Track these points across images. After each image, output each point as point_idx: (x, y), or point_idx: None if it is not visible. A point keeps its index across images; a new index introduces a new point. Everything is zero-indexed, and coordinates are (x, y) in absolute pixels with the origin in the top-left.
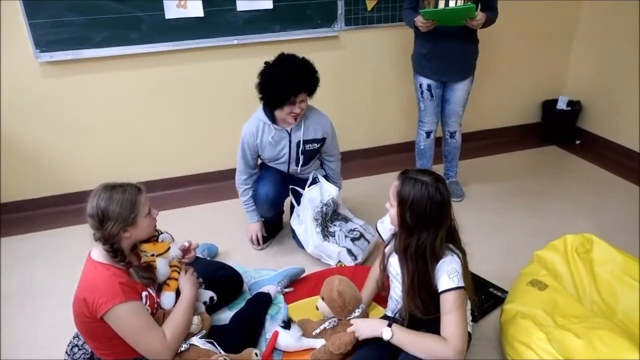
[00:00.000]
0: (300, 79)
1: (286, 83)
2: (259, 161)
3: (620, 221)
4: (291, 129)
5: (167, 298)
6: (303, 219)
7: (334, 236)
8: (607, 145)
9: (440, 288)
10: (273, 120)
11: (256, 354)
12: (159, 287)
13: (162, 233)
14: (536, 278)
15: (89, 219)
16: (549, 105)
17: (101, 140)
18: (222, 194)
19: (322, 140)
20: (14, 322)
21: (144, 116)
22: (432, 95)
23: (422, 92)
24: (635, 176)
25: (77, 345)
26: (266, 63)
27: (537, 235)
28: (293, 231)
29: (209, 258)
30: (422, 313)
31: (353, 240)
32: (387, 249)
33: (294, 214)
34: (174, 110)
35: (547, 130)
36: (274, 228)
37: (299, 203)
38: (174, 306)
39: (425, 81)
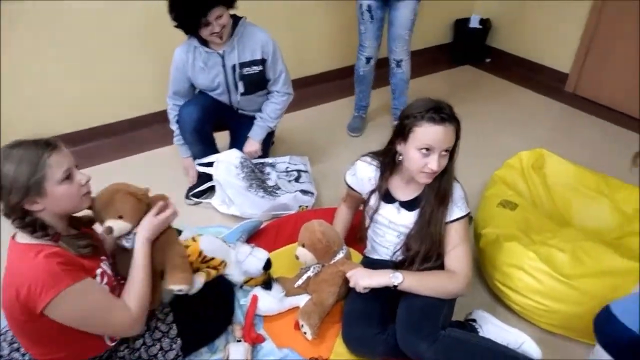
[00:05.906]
0: None
1: (191, 2)
2: (197, 91)
3: (543, 132)
4: (224, 52)
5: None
6: (231, 198)
7: (280, 188)
8: (515, 60)
9: (451, 217)
10: (203, 42)
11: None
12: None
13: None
14: (505, 199)
15: None
16: (461, 25)
17: None
18: (149, 144)
19: (263, 62)
20: None
21: (35, 59)
22: (372, 17)
23: (362, 13)
24: (543, 88)
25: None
26: None
27: (478, 156)
28: None
29: None
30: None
31: (297, 180)
32: (372, 203)
33: (217, 202)
34: (63, 51)
35: (459, 50)
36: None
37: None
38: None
39: (365, 1)
